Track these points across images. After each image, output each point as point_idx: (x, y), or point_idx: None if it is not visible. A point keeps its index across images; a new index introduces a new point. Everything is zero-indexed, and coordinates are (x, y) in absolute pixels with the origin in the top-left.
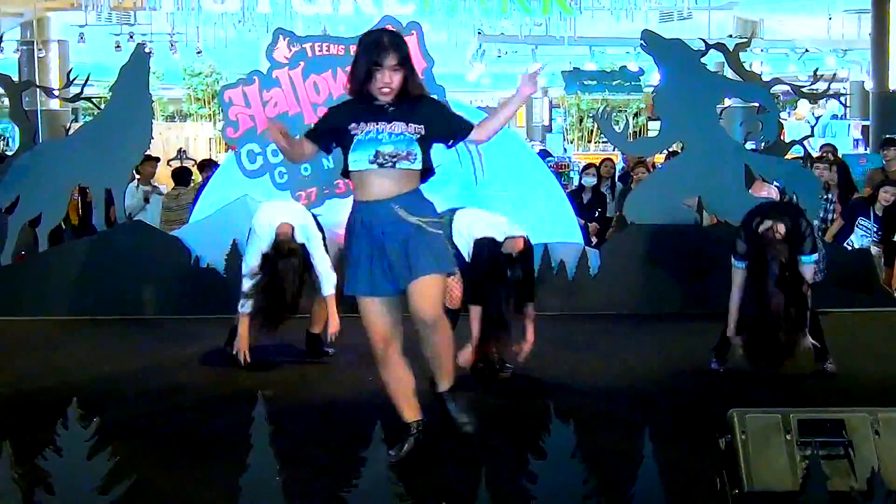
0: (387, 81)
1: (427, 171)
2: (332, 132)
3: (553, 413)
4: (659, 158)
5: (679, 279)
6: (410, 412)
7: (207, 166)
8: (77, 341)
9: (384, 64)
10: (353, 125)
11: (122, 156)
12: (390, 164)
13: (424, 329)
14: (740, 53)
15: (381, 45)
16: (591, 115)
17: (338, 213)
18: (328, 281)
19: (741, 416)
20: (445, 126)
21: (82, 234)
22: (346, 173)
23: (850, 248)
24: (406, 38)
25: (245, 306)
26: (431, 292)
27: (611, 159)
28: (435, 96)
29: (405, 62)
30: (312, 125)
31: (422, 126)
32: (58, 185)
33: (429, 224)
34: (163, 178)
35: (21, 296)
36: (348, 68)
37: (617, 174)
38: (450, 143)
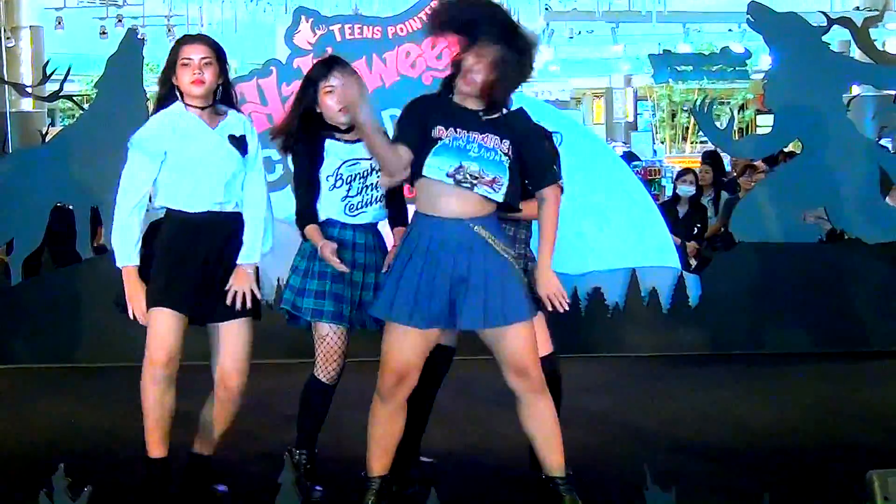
0: (473, 63)
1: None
2: (419, 131)
3: (650, 477)
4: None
5: (801, 311)
6: (380, 466)
7: None
8: (60, 394)
9: (477, 48)
10: (440, 127)
11: (110, 166)
12: (468, 185)
13: (527, 390)
14: (871, 29)
15: (477, 32)
16: (686, 108)
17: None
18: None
19: (883, 479)
20: (533, 160)
21: (63, 263)
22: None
23: None
24: None
25: None
26: (532, 343)
27: (707, 161)
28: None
29: (501, 48)
30: (399, 127)
31: (513, 148)
32: (33, 204)
33: (514, 259)
34: None
35: None
36: (388, 54)
37: (720, 181)
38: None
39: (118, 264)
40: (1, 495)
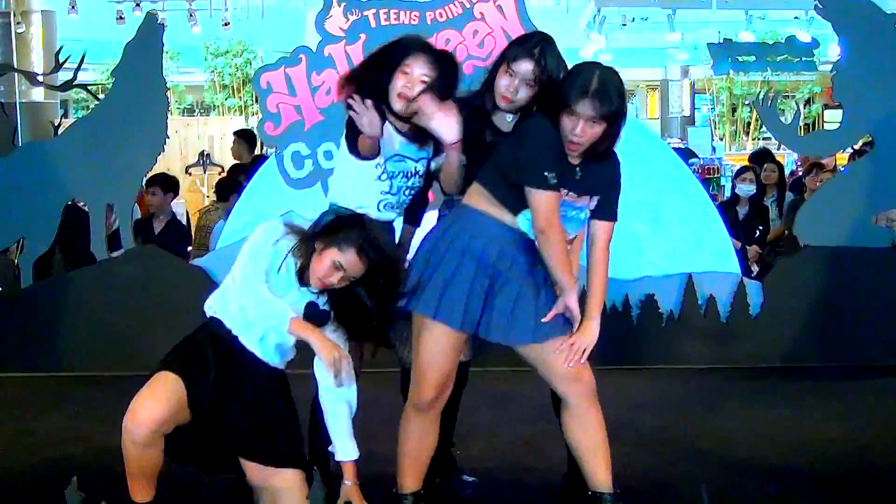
0: (579, 135)
1: None
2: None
3: (705, 499)
4: (841, 159)
5: (870, 320)
6: (413, 482)
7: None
8: (71, 404)
9: (580, 112)
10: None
11: (127, 161)
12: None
13: (581, 397)
14: None
15: (590, 88)
16: (747, 102)
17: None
18: None
19: None
20: (605, 199)
21: (76, 265)
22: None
23: None
24: (502, 1)
25: None
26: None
27: (772, 161)
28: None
29: (609, 118)
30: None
31: (596, 200)
32: (44, 201)
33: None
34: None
35: None
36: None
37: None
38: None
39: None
40: None
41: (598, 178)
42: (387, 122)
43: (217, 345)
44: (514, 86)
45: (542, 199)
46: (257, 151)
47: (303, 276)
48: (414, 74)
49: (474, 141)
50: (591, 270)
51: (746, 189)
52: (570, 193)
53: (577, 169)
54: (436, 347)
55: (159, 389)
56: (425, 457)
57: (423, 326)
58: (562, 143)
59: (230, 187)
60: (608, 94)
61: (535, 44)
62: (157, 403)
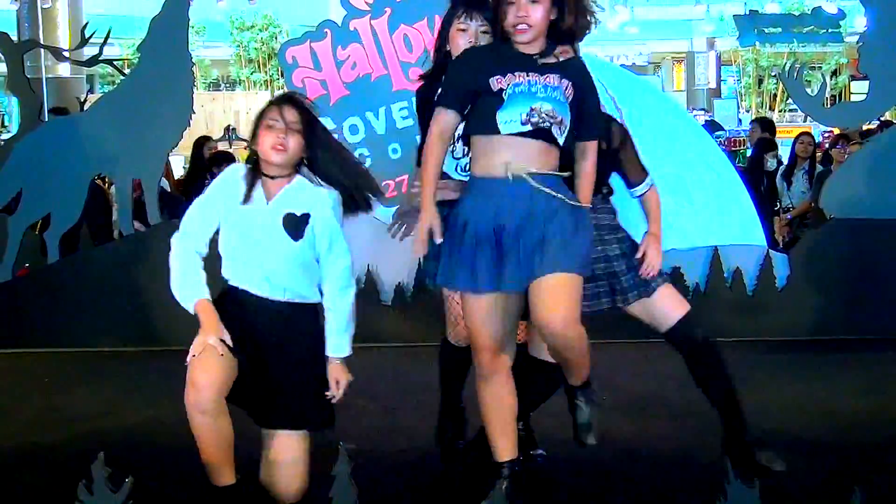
0: (522, 15)
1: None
2: (468, 90)
3: (731, 472)
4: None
5: None
6: (506, 449)
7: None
8: (98, 380)
9: None
10: (497, 77)
11: (153, 136)
12: (547, 124)
13: (552, 343)
14: None
15: None
16: (774, 73)
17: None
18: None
19: None
20: (586, 110)
21: (103, 240)
22: (467, 137)
23: None
24: None
25: None
26: (562, 295)
27: (808, 133)
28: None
29: None
30: (444, 90)
31: (574, 90)
32: (71, 176)
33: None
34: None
35: (25, 322)
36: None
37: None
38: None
39: (188, 305)
40: (39, 485)
41: (567, 72)
42: None
43: (231, 305)
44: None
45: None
46: None
47: (261, 176)
48: (472, 29)
49: None
50: (583, 181)
51: (773, 162)
52: (532, 74)
53: (537, 56)
54: (474, 313)
55: (206, 356)
56: (510, 419)
57: (461, 297)
58: (478, 53)
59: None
60: None
61: None
62: (210, 367)
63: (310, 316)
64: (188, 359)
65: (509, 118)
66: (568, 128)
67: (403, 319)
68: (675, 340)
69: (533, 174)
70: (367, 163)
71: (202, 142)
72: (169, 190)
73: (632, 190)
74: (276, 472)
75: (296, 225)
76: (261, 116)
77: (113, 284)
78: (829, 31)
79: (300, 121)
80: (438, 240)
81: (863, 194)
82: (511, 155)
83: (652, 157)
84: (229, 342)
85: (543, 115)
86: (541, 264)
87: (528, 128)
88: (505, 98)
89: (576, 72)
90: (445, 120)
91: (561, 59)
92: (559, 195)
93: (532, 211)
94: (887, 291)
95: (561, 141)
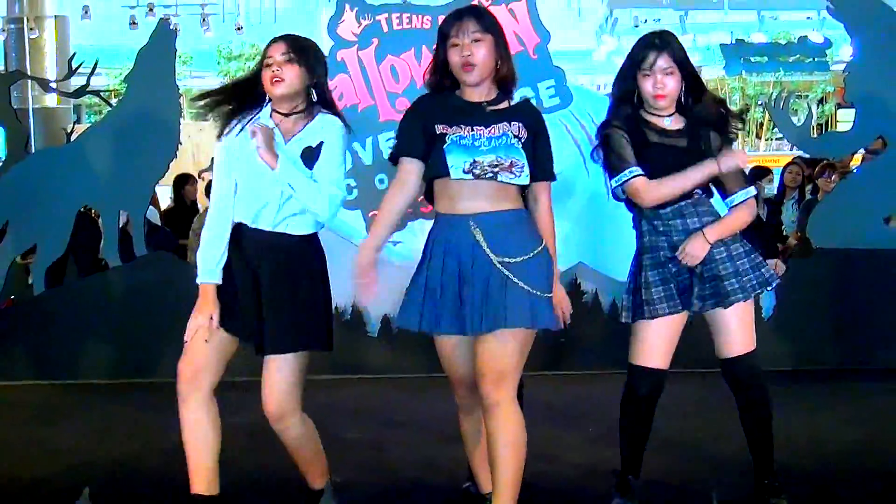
0: (466, 54)
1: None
2: (420, 136)
3: (715, 500)
4: (855, 160)
5: (885, 323)
6: (489, 480)
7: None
8: (84, 413)
9: (461, 34)
10: (444, 125)
11: (140, 167)
12: (489, 175)
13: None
14: None
15: (456, 15)
16: (760, 102)
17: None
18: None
19: None
20: (537, 154)
21: (89, 272)
22: (429, 179)
23: None
24: (514, 5)
25: None
26: (502, 353)
27: (795, 163)
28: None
29: (491, 30)
30: (397, 138)
31: (526, 130)
32: (57, 208)
33: (520, 262)
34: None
35: (10, 354)
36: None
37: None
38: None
39: (198, 280)
40: None
41: (518, 115)
42: None
43: (237, 249)
44: (660, 80)
45: None
46: None
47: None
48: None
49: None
50: (545, 226)
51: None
52: (477, 127)
53: (485, 104)
54: (440, 351)
55: (192, 345)
56: (484, 454)
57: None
58: (428, 101)
59: None
60: (480, 14)
61: (654, 36)
62: (192, 356)
63: (310, 245)
64: (184, 343)
65: (454, 164)
66: (524, 164)
67: (390, 351)
68: (730, 373)
69: (485, 213)
70: (354, 194)
71: (183, 180)
72: (158, 222)
73: (726, 200)
74: (264, 387)
75: (311, 155)
76: (260, 63)
77: (99, 316)
78: (816, 59)
79: (290, 50)
80: (361, 280)
81: (848, 224)
82: (464, 195)
83: None
84: (216, 321)
85: (486, 167)
86: (471, 316)
87: (470, 176)
88: (448, 144)
89: (526, 114)
90: (403, 168)
91: (511, 104)
92: (487, 250)
93: (474, 255)
94: (872, 322)
95: (523, 180)
